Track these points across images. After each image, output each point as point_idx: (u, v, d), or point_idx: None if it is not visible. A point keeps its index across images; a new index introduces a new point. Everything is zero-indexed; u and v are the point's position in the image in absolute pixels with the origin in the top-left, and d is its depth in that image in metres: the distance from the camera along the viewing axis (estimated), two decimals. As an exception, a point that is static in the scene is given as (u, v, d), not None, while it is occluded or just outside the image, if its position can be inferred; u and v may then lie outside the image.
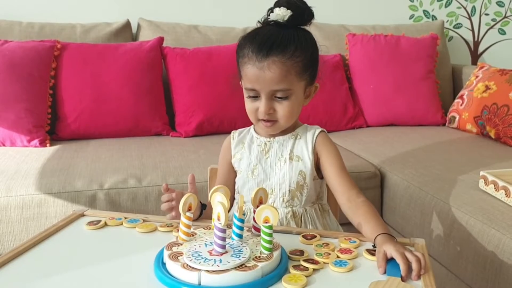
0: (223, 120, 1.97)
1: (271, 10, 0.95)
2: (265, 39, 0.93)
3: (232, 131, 1.12)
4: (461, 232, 1.24)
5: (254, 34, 0.96)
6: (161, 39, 2.07)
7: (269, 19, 0.96)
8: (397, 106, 2.23)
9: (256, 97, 0.97)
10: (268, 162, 1.04)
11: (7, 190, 1.36)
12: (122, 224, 0.94)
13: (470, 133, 2.08)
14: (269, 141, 1.05)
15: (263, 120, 0.99)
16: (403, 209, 1.51)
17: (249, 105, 0.99)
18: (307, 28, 0.99)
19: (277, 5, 0.95)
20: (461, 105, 2.16)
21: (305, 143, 1.03)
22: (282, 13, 0.93)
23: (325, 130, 1.06)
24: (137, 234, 0.91)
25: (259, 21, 0.99)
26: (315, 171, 1.04)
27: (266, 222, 0.76)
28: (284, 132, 1.04)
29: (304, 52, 0.95)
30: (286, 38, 0.93)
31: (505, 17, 2.80)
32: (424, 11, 2.72)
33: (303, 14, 0.95)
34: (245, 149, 1.07)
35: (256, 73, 0.93)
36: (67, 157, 1.63)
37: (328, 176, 1.02)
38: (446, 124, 2.24)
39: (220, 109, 1.97)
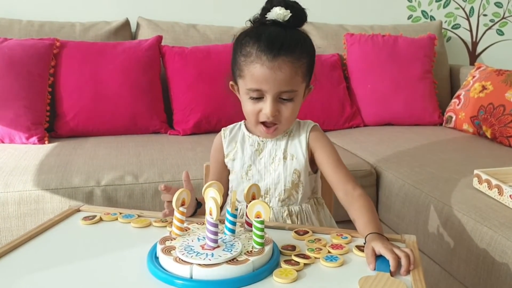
0: (221, 118, 1.98)
1: (267, 9, 0.92)
2: (272, 38, 0.90)
3: (222, 129, 1.08)
4: (454, 230, 1.25)
5: (257, 32, 0.92)
6: (159, 38, 2.08)
7: (266, 18, 0.92)
8: (394, 105, 2.24)
9: (259, 98, 0.94)
10: (262, 163, 1.03)
11: (5, 185, 1.37)
12: (117, 219, 0.95)
13: (467, 132, 2.09)
14: (262, 141, 1.03)
15: (264, 124, 0.97)
16: (398, 207, 1.52)
17: (250, 106, 0.96)
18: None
19: (272, 4, 0.92)
20: (457, 105, 2.17)
21: (298, 140, 1.02)
22: (282, 13, 0.90)
23: (317, 124, 1.05)
24: (131, 229, 0.92)
25: (250, 20, 0.96)
26: (309, 166, 1.03)
27: (258, 217, 0.77)
28: None
29: (309, 54, 0.94)
30: (293, 39, 0.92)
31: (503, 18, 2.81)
32: (423, 11, 2.72)
33: (301, 15, 0.94)
34: (238, 148, 1.04)
35: (266, 73, 0.90)
36: (65, 154, 1.64)
37: (324, 171, 1.01)
38: (443, 124, 2.25)
39: (218, 108, 1.98)
